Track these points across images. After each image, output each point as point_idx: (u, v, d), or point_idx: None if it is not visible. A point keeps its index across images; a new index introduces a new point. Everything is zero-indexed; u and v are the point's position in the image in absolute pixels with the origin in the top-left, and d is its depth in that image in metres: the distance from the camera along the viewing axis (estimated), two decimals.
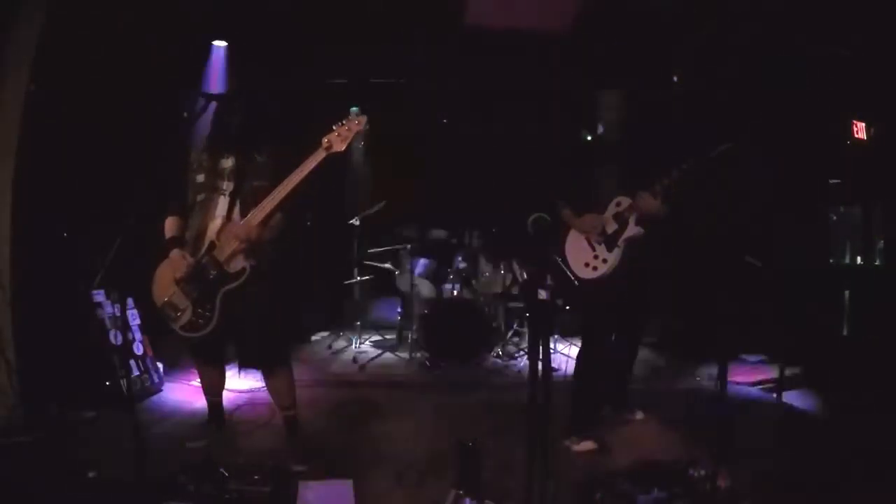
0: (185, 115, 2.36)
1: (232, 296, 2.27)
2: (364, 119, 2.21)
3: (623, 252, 2.58)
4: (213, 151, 2.39)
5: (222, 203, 2.31)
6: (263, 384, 2.58)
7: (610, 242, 2.60)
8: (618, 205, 2.62)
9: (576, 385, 2.72)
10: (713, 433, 1.80)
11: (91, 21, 3.26)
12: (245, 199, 2.28)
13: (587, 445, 2.60)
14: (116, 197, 3.36)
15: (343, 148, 2.18)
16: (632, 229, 2.57)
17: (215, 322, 2.26)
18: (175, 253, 2.31)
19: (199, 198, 2.34)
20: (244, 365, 2.49)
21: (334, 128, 2.19)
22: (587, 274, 2.64)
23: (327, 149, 2.18)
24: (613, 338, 2.81)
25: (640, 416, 3.06)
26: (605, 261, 2.61)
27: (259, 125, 2.44)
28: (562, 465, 2.33)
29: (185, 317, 2.29)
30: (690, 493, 2.02)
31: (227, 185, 2.32)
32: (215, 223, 2.28)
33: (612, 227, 2.61)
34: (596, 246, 2.64)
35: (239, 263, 2.26)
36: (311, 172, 2.22)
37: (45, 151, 2.90)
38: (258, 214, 2.24)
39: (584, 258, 2.66)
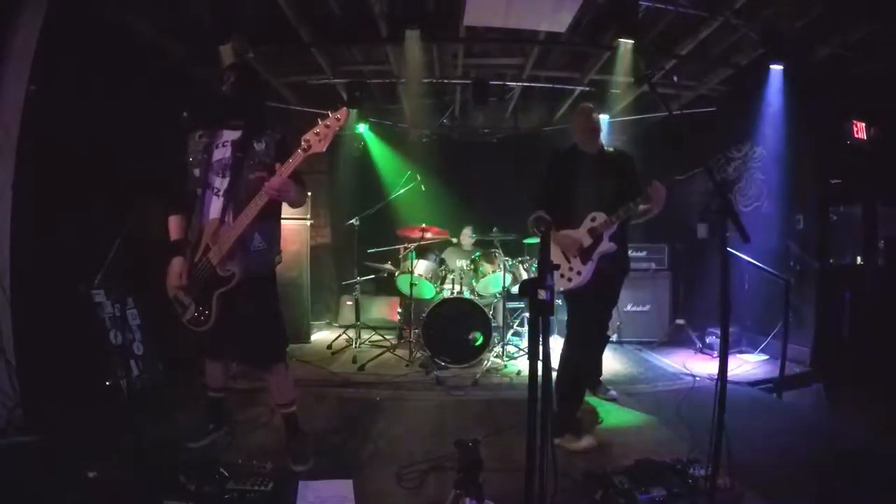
0: (185, 114, 2.34)
1: (230, 296, 2.28)
2: (345, 113, 2.14)
3: (595, 265, 2.75)
4: (208, 135, 2.35)
5: (216, 204, 2.29)
6: (263, 383, 2.58)
7: (584, 256, 2.75)
8: (592, 220, 2.75)
9: (562, 382, 2.76)
10: (712, 433, 1.79)
11: (91, 21, 3.27)
12: (238, 196, 2.26)
13: (588, 441, 2.63)
14: (116, 197, 3.38)
15: (323, 148, 2.13)
16: (605, 244, 2.73)
17: (213, 320, 2.30)
18: (176, 261, 2.33)
19: (198, 192, 2.32)
20: (243, 363, 2.49)
21: (319, 122, 2.13)
22: (562, 285, 2.80)
23: (305, 150, 2.14)
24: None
25: (614, 393, 3.45)
26: (578, 273, 2.76)
27: (252, 94, 2.41)
28: (562, 464, 2.33)
29: (190, 312, 2.33)
30: (690, 493, 2.02)
31: (222, 183, 2.30)
32: (210, 225, 2.28)
33: (587, 242, 2.75)
34: (571, 258, 2.78)
35: (229, 268, 2.26)
36: (292, 175, 2.20)
37: (45, 151, 2.90)
38: (236, 229, 2.22)
39: (560, 269, 2.80)
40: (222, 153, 2.33)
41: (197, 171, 2.32)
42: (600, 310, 2.88)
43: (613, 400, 3.43)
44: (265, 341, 2.43)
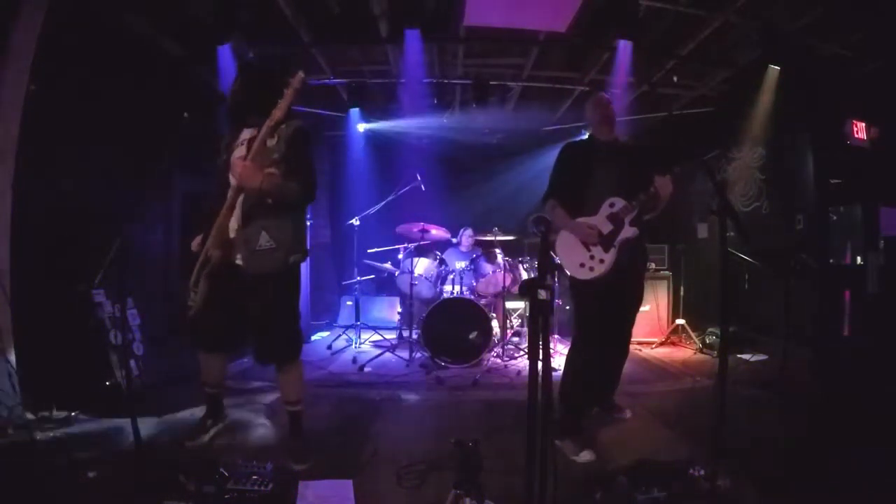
0: (186, 115, 2.35)
1: (248, 292, 2.33)
2: (299, 77, 2.21)
3: (618, 252, 2.61)
4: (231, 136, 2.44)
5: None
6: (262, 383, 2.58)
7: (606, 243, 2.61)
8: (611, 205, 2.63)
9: (566, 385, 2.68)
10: (712, 433, 1.79)
11: (92, 21, 3.27)
12: (249, 196, 2.30)
13: (587, 457, 2.49)
14: (116, 196, 3.38)
15: (281, 115, 2.22)
16: (627, 230, 2.60)
17: (200, 304, 2.35)
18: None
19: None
20: (260, 360, 2.50)
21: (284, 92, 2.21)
22: (583, 275, 2.63)
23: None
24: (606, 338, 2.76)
25: (628, 414, 3.07)
26: (601, 261, 2.61)
27: (262, 94, 2.40)
28: (562, 465, 2.33)
29: (191, 299, 2.41)
30: (690, 493, 2.02)
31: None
32: (220, 218, 2.33)
33: (607, 228, 2.62)
34: (591, 246, 2.64)
35: (228, 258, 2.32)
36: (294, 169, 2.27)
37: (45, 151, 2.90)
38: (223, 219, 2.29)
39: (579, 259, 2.65)
40: (241, 152, 2.38)
41: (223, 172, 2.40)
42: (617, 307, 2.70)
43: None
44: (278, 340, 2.44)
